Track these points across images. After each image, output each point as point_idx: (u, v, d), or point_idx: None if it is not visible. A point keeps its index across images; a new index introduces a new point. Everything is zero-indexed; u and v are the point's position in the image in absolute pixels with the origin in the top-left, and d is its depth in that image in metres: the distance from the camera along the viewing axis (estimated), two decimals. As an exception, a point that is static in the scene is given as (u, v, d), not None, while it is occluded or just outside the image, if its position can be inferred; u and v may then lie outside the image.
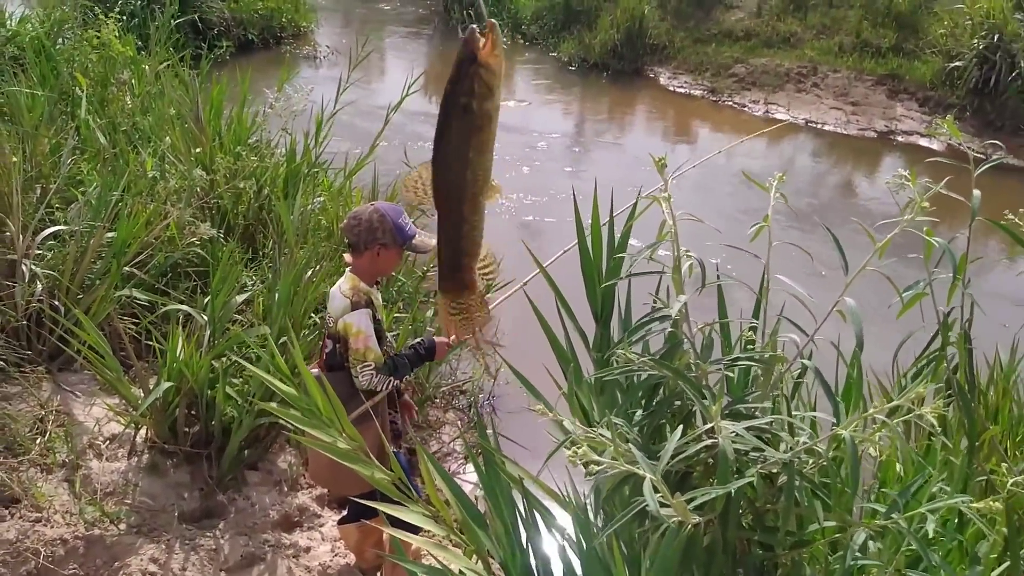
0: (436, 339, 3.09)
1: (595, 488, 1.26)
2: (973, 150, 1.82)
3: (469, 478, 4.02)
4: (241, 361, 2.86)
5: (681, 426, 1.16)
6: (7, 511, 3.16)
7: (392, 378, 2.88)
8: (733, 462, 1.11)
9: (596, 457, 1.12)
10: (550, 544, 1.91)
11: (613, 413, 1.31)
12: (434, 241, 2.87)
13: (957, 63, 10.07)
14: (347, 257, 2.95)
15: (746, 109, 10.79)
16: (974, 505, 1.13)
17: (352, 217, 2.88)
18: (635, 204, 1.50)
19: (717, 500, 1.12)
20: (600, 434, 1.18)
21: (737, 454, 1.18)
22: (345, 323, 2.81)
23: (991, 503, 1.11)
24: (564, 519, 1.93)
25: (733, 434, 1.11)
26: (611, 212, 1.70)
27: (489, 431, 2.06)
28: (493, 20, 1.70)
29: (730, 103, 10.96)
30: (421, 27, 14.01)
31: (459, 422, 4.64)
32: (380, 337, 2.91)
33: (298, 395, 1.74)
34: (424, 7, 14.68)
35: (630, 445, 1.12)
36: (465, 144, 1.74)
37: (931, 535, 1.09)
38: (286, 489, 3.65)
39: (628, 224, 1.65)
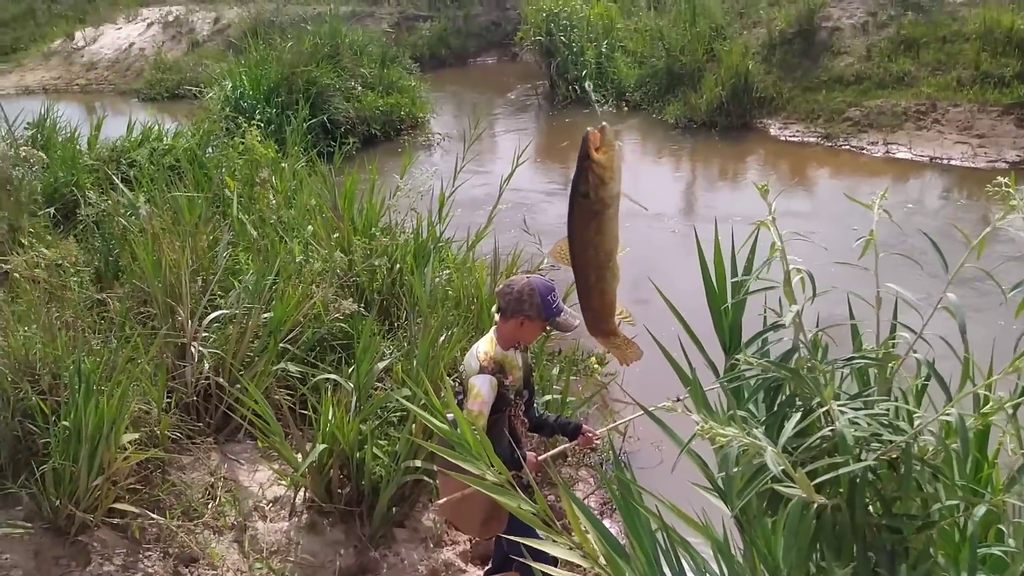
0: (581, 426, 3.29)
1: (724, 470, 1.35)
2: None
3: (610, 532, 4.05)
4: (401, 401, 3.07)
5: (800, 413, 1.24)
6: (187, 569, 3.49)
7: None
8: (852, 447, 1.18)
9: (721, 430, 1.22)
10: (691, 574, 1.96)
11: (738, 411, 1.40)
12: (578, 321, 3.08)
13: (1092, 83, 9.53)
14: (496, 317, 3.14)
15: (865, 151, 10.55)
16: None
17: (507, 284, 3.08)
18: (755, 233, 1.61)
19: (841, 481, 1.19)
20: (727, 425, 1.27)
21: (857, 442, 1.24)
22: (471, 383, 3.00)
23: None
24: (703, 548, 1.99)
25: (849, 418, 1.18)
26: (732, 247, 1.82)
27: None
28: (605, 123, 2.00)
29: (847, 147, 10.75)
30: (528, 106, 14.59)
31: (592, 479, 4.70)
32: (505, 400, 3.05)
33: (451, 430, 1.91)
34: (529, 86, 15.29)
35: (754, 430, 1.21)
36: (587, 227, 2.05)
37: None
38: (431, 545, 3.82)
39: (750, 257, 1.74)
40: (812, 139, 11.16)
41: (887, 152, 10.39)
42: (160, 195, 5.82)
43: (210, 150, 8.14)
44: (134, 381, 3.86)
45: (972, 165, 9.72)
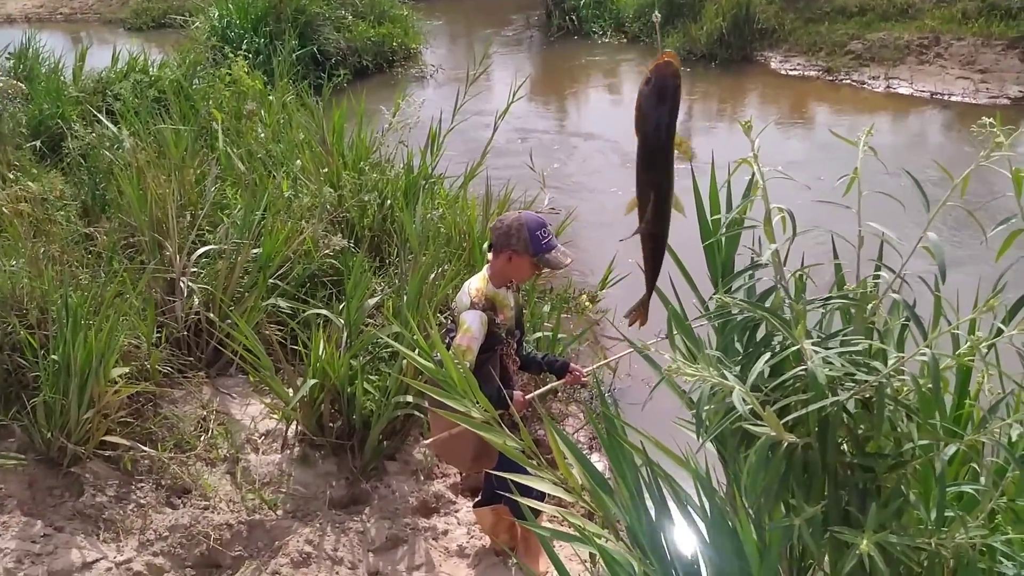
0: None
1: (696, 407, 1.35)
2: None
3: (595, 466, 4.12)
4: (388, 340, 3.07)
5: (770, 353, 1.23)
6: (180, 500, 3.54)
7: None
8: (824, 386, 1.17)
9: (689, 369, 1.22)
10: (674, 507, 1.99)
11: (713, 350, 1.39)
12: (569, 260, 3.03)
13: (1101, 15, 9.32)
14: (488, 254, 3.11)
15: (866, 86, 10.38)
16: None
17: (499, 220, 3.05)
18: (737, 169, 1.57)
19: (811, 419, 1.19)
20: (699, 364, 1.27)
21: (831, 381, 1.23)
22: (461, 318, 2.99)
23: None
24: (686, 482, 2.01)
25: (822, 357, 1.17)
26: (728, 183, 1.77)
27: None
28: (668, 51, 1.69)
29: (848, 81, 10.57)
30: (522, 36, 14.26)
31: (581, 415, 4.75)
32: (497, 339, 3.05)
33: (436, 368, 1.91)
34: (523, 17, 14.91)
35: (724, 370, 1.21)
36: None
37: (1016, 442, 1.11)
38: (422, 478, 3.87)
39: (743, 200, 1.69)
40: (813, 73, 10.97)
41: (888, 87, 10.23)
42: (145, 128, 5.72)
43: (197, 81, 7.96)
44: (123, 316, 3.85)
45: (973, 101, 9.58)
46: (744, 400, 1.18)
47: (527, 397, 3.15)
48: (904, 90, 10.08)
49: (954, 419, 1.56)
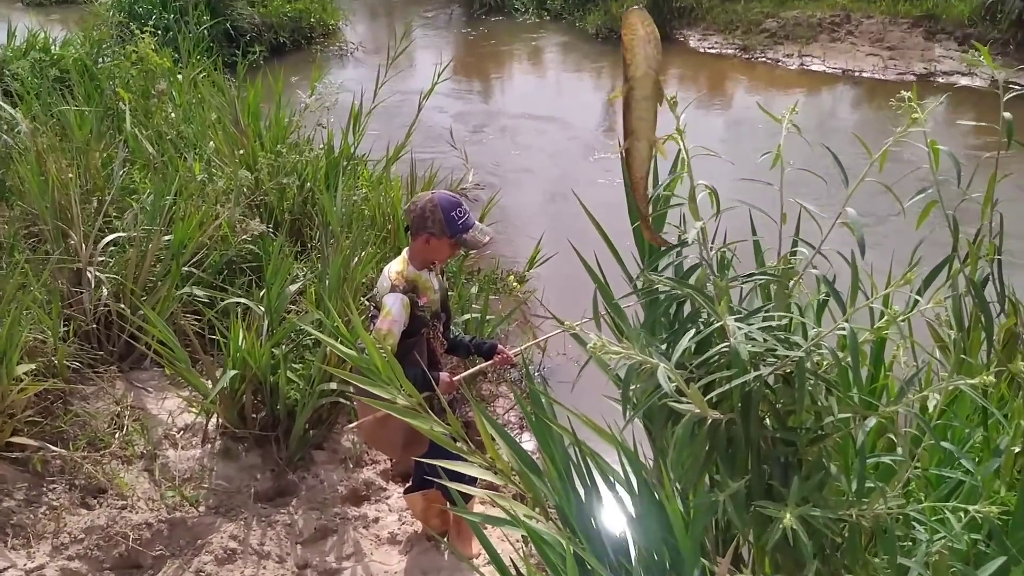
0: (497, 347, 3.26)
1: (623, 385, 1.34)
2: (1018, 83, 1.80)
3: (526, 448, 4.13)
4: (308, 329, 2.98)
5: (695, 330, 1.23)
6: (95, 500, 3.38)
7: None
8: (747, 362, 1.18)
9: (613, 348, 1.21)
10: (602, 485, 2.00)
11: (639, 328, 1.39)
12: (487, 238, 2.99)
13: (997, -4, 9.76)
14: (408, 236, 3.04)
15: (780, 64, 10.63)
16: (971, 381, 1.17)
17: (412, 202, 2.98)
18: (663, 140, 1.56)
19: (734, 395, 1.20)
20: (624, 343, 1.26)
21: (753, 356, 1.24)
22: (382, 302, 2.92)
23: (986, 377, 1.16)
24: (616, 461, 2.02)
25: (744, 333, 1.18)
26: (654, 161, 1.76)
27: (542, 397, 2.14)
28: (637, 6, 1.72)
29: (763, 59, 10.81)
30: (444, 13, 14.07)
31: (512, 395, 4.75)
32: (422, 322, 3.00)
33: (359, 356, 1.85)
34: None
35: (651, 348, 1.20)
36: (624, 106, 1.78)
37: (931, 413, 1.15)
38: (351, 466, 3.80)
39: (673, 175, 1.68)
40: (730, 51, 11.18)
41: (802, 64, 10.50)
42: (45, 110, 5.40)
43: (102, 60, 7.56)
44: (26, 309, 3.64)
45: (882, 77, 9.92)
46: (669, 378, 1.18)
47: (455, 379, 3.12)
48: (817, 67, 10.37)
49: (870, 391, 1.60)
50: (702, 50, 11.34)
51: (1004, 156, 1.74)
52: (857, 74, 10.09)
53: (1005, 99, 1.79)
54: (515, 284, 5.33)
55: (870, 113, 9.27)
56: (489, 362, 3.30)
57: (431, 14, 14.08)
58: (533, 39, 12.48)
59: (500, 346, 3.30)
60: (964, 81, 9.48)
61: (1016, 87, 1.91)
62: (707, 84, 10.39)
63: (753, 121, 8.37)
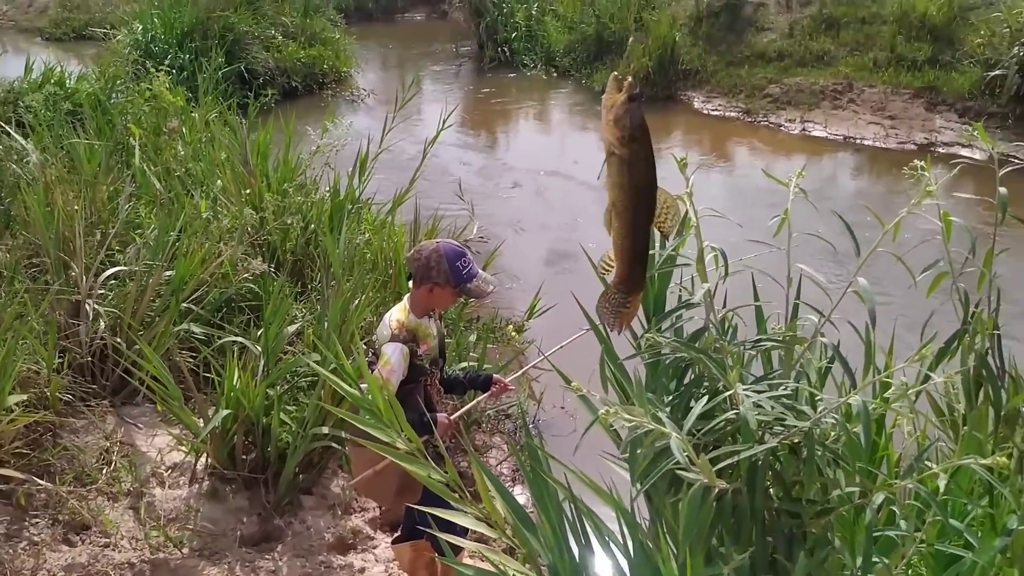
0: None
1: (630, 453, 1.32)
2: (1016, 158, 1.82)
3: (518, 499, 4.07)
4: (312, 365, 2.96)
5: (707, 396, 1.22)
6: (78, 537, 3.32)
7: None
8: (755, 431, 1.16)
9: (625, 415, 1.19)
10: (596, 544, 1.96)
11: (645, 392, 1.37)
12: (491, 288, 2.99)
13: (997, 71, 9.93)
14: (410, 283, 3.05)
15: (782, 128, 10.78)
16: (982, 461, 1.15)
17: (415, 250, 2.98)
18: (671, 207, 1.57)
19: (741, 465, 1.18)
20: (632, 407, 1.24)
21: (761, 425, 1.23)
22: (382, 351, 2.92)
23: (999, 459, 1.14)
24: (610, 519, 1.98)
25: (753, 401, 1.16)
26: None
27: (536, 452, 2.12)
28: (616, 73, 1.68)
29: (766, 123, 10.96)
30: (455, 66, 14.32)
31: (505, 446, 4.69)
32: (420, 370, 2.99)
33: (361, 396, 1.83)
34: (457, 46, 14.99)
35: (659, 413, 1.19)
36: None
37: (941, 490, 1.12)
38: (340, 512, 3.74)
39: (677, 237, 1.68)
40: (733, 114, 11.34)
41: (804, 130, 10.64)
42: (56, 142, 5.45)
43: (115, 96, 7.67)
44: (22, 339, 3.61)
45: (883, 145, 10.04)
46: (680, 449, 1.16)
47: (452, 417, 3.09)
48: (818, 133, 10.50)
49: (871, 460, 1.57)
50: (706, 111, 11.50)
51: (1001, 230, 1.75)
52: (858, 141, 10.22)
53: (1003, 173, 1.81)
54: (513, 334, 5.31)
55: (872, 180, 9.37)
56: (487, 394, 3.28)
57: (443, 65, 14.34)
58: (541, 94, 12.69)
59: (495, 375, 3.28)
60: (964, 152, 9.60)
61: (1015, 161, 1.93)
62: (710, 145, 10.52)
63: (755, 185, 8.45)
